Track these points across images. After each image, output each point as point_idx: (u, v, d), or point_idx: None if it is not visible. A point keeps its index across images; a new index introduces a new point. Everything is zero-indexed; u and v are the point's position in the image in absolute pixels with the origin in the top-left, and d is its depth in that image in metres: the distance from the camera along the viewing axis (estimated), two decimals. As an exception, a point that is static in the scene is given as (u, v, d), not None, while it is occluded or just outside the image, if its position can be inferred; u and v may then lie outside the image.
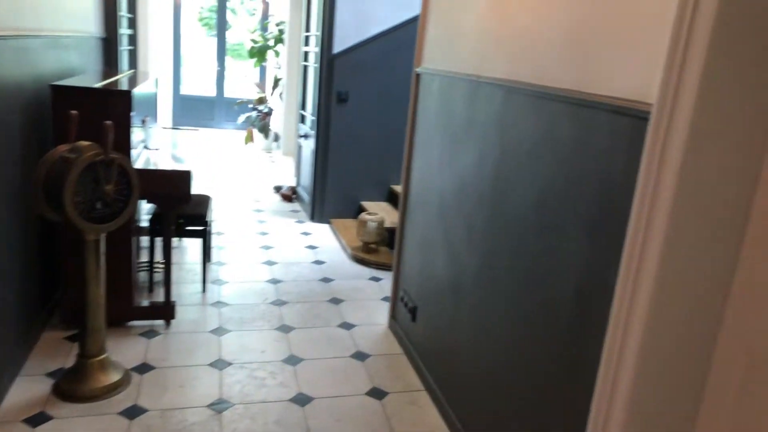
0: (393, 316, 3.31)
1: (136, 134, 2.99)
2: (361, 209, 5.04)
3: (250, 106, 8.52)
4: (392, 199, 5.08)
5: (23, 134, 2.59)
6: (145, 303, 3.16)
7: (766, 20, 1.21)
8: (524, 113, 1.94)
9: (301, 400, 2.58)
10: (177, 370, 2.73)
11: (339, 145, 5.02)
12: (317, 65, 5.00)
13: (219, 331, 3.12)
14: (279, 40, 8.23)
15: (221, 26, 9.58)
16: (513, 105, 2.02)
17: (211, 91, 9.77)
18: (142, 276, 3.51)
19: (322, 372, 2.82)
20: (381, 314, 3.50)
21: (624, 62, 1.46)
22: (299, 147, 5.87)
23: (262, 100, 8.42)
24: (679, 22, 1.24)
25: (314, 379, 2.75)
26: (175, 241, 4.28)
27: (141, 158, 3.05)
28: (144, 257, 3.62)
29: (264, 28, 8.95)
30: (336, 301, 3.65)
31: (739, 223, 1.33)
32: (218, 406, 2.49)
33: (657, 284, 1.33)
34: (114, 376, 2.53)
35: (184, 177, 2.91)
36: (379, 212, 4.62)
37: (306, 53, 5.64)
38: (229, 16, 9.84)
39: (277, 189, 6.17)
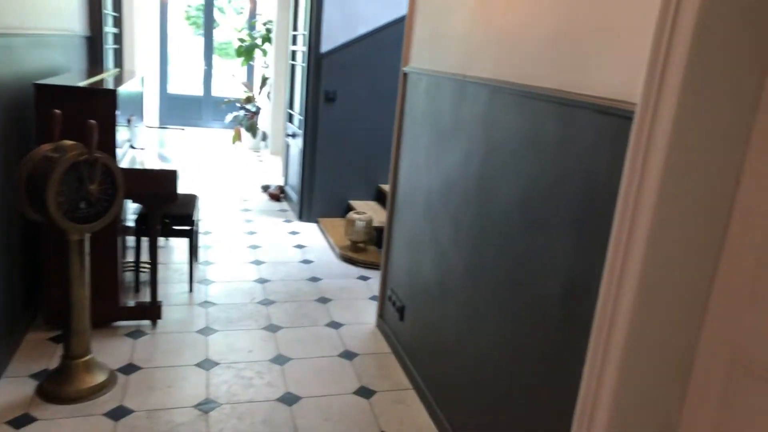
0: (381, 315, 3.32)
1: (122, 133, 2.96)
2: (350, 208, 5.04)
3: (238, 105, 8.48)
4: (380, 198, 5.08)
5: (5, 133, 2.56)
6: (131, 303, 3.14)
7: (748, 20, 1.23)
8: (510, 113, 1.95)
9: (289, 399, 2.58)
10: (163, 371, 2.71)
11: (327, 144, 5.01)
12: (305, 64, 4.99)
13: (206, 331, 3.11)
14: (266, 39, 8.20)
15: (208, 25, 9.53)
16: (498, 104, 2.03)
17: (198, 90, 9.71)
18: (128, 276, 3.48)
19: (309, 371, 2.82)
20: (369, 313, 3.50)
21: (608, 62, 1.47)
22: (287, 146, 5.85)
23: (249, 99, 8.39)
24: (662, 22, 1.25)
25: (302, 379, 2.74)
26: (161, 240, 4.25)
27: (126, 157, 3.03)
28: (130, 257, 3.59)
29: (251, 26, 8.92)
30: (324, 300, 3.64)
31: (721, 222, 1.35)
32: (205, 406, 2.47)
33: (641, 282, 1.34)
34: (99, 377, 2.51)
35: (169, 176, 2.89)
36: (368, 211, 4.62)
37: (294, 52, 5.63)
38: (216, 14, 9.78)
39: (265, 188, 6.15)
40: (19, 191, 2.28)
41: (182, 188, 3.20)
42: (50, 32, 3.36)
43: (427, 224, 2.68)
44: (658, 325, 1.39)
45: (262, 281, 3.84)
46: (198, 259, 4.05)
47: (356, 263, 4.29)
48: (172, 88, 9.65)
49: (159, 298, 3.13)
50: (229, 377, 2.70)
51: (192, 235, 3.56)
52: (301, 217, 5.20)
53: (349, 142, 5.04)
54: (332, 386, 2.71)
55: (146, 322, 3.10)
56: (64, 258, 2.41)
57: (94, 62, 4.48)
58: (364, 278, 4.06)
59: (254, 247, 4.48)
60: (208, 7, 9.43)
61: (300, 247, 4.58)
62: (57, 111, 2.37)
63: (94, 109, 2.67)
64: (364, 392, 2.69)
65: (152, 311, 3.08)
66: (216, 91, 9.70)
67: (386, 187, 3.98)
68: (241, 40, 8.45)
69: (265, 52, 8.38)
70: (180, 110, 9.55)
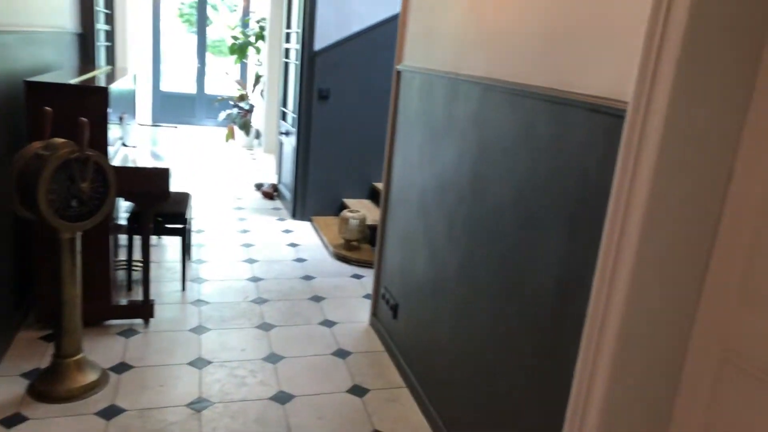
0: (374, 313, 3.31)
1: (114, 131, 2.95)
2: (343, 206, 5.03)
3: (231, 103, 8.45)
4: (374, 196, 5.08)
5: (-4, 131, 2.55)
6: (124, 302, 3.12)
7: (738, 19, 1.23)
8: (502, 111, 1.95)
9: (282, 398, 2.57)
10: (156, 370, 2.70)
11: (320, 142, 5.00)
12: (298, 62, 4.98)
13: (199, 330, 3.10)
14: (260, 36, 8.18)
15: (202, 22, 9.49)
16: (491, 102, 2.03)
17: (191, 88, 9.66)
18: (121, 275, 3.46)
19: (303, 370, 2.81)
20: (362, 312, 3.49)
21: (600, 61, 1.48)
22: (280, 144, 5.83)
23: (243, 97, 8.36)
24: (653, 21, 1.26)
25: (295, 377, 2.74)
26: (154, 239, 4.24)
27: (118, 155, 3.01)
28: (123, 256, 3.57)
29: (245, 24, 8.88)
30: (317, 298, 3.64)
31: (712, 219, 1.36)
32: (198, 405, 2.47)
33: (632, 280, 1.35)
34: (91, 376, 2.50)
35: (162, 174, 2.88)
36: (361, 209, 4.61)
37: (287, 50, 5.61)
38: (209, 12, 9.74)
39: (258, 186, 6.13)
40: (10, 189, 2.26)
41: (175, 186, 3.19)
42: (41, 29, 3.34)
43: (420, 222, 2.68)
44: (649, 322, 1.40)
45: (255, 280, 3.83)
46: (191, 258, 4.04)
47: (350, 261, 4.29)
48: (165, 86, 9.60)
49: (151, 297, 3.11)
50: (222, 376, 2.69)
51: (185, 234, 3.54)
52: (295, 215, 5.19)
53: (342, 140, 5.03)
54: (325, 385, 2.71)
55: (139, 321, 3.09)
56: (56, 256, 2.40)
57: (86, 59, 4.45)
58: (357, 276, 4.05)
59: (247, 245, 4.47)
60: (202, 5, 9.39)
61: (293, 245, 4.58)
62: (47, 108, 2.35)
63: (85, 107, 2.65)
64: (358, 390, 2.68)
65: (145, 310, 3.07)
66: (209, 89, 9.66)
67: (380, 185, 3.98)
68: (235, 38, 8.42)
69: (258, 50, 8.36)
70: (173, 108, 9.50)
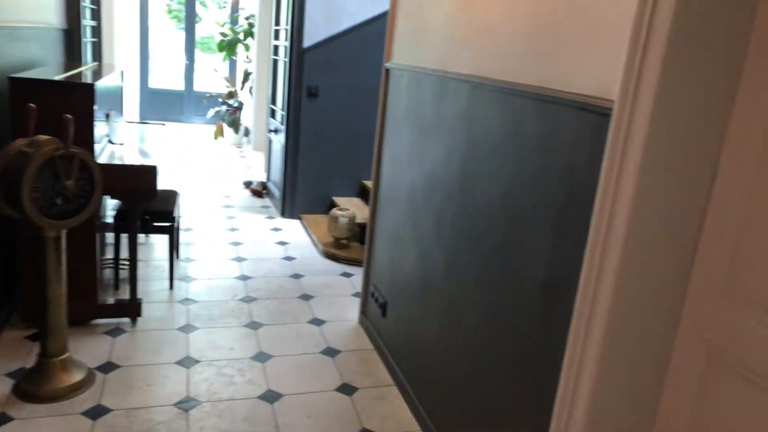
0: (363, 311, 3.31)
1: (100, 128, 2.92)
2: (333, 204, 5.02)
3: (220, 100, 8.40)
4: (364, 194, 5.07)
5: (-20, 128, 2.51)
6: (111, 301, 3.10)
7: (722, 19, 1.24)
8: (490, 109, 1.95)
9: (270, 397, 2.56)
10: (143, 369, 2.68)
11: (310, 139, 4.99)
12: (287, 59, 4.95)
13: (187, 329, 3.08)
14: (249, 33, 8.13)
15: (190, 19, 9.42)
16: (479, 101, 2.03)
17: (180, 85, 9.60)
18: (108, 273, 3.43)
19: (291, 368, 2.81)
20: (352, 310, 3.49)
21: (586, 59, 1.48)
22: (269, 142, 5.81)
23: (231, 95, 8.32)
24: (639, 20, 1.26)
25: (283, 376, 2.73)
26: (141, 237, 4.20)
27: (105, 153, 2.98)
28: (110, 254, 3.54)
29: (234, 21, 8.83)
30: (306, 297, 3.63)
31: (697, 217, 1.36)
32: (185, 404, 2.45)
33: (619, 277, 1.35)
34: (77, 376, 2.48)
35: (149, 172, 2.85)
36: (351, 207, 4.61)
37: (276, 47, 5.59)
38: (198, 8, 9.67)
39: (247, 184, 6.10)
40: (-7, 187, 2.23)
41: (163, 184, 3.17)
42: (26, 25, 3.29)
43: (409, 220, 2.68)
44: (635, 320, 1.41)
45: (243, 278, 3.81)
46: (179, 256, 4.01)
47: (339, 260, 4.28)
48: (154, 83, 9.52)
49: (139, 296, 3.09)
50: (210, 375, 2.68)
51: (172, 232, 3.52)
52: (284, 213, 5.17)
53: (332, 138, 5.02)
54: (314, 383, 2.70)
55: (126, 320, 3.07)
56: (41, 255, 2.37)
57: (72, 56, 4.40)
58: (347, 275, 4.05)
59: (236, 243, 4.45)
60: (190, 1, 9.32)
61: (282, 243, 4.56)
62: (32, 105, 2.32)
63: (70, 104, 2.62)
64: (346, 389, 2.68)
65: (132, 309, 3.05)
66: (198, 86, 9.60)
67: (369, 183, 3.97)
68: (224, 35, 8.37)
69: (247, 47, 8.31)
70: (161, 105, 9.43)
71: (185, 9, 9.40)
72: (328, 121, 4.97)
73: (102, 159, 2.84)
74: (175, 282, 3.61)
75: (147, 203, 3.08)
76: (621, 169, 1.32)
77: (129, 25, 7.93)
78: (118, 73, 3.89)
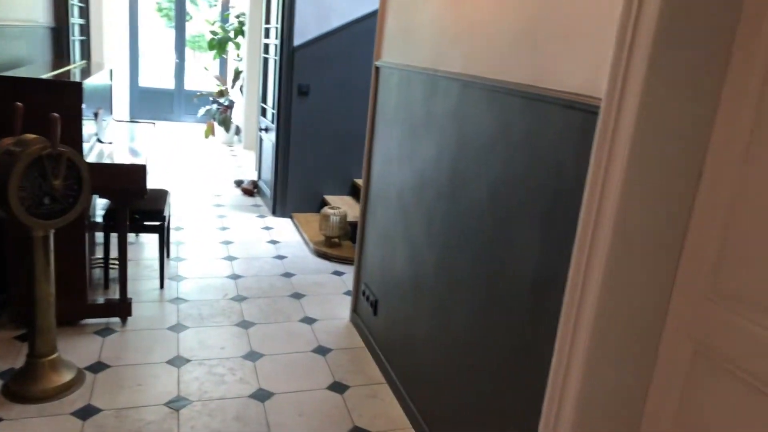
0: (355, 309, 3.31)
1: (88, 127, 2.90)
2: (324, 203, 5.02)
3: (211, 98, 8.36)
4: (355, 192, 5.07)
5: (-34, 127, 2.49)
6: (100, 300, 3.08)
7: (708, 18, 1.25)
8: (480, 107, 1.96)
9: (262, 395, 2.56)
10: (133, 369, 2.67)
11: (300, 138, 4.98)
12: (278, 58, 4.94)
13: (177, 328, 3.07)
14: (239, 31, 8.10)
15: (180, 17, 9.37)
16: (469, 99, 2.03)
17: (170, 84, 9.55)
18: (98, 273, 3.41)
19: (282, 367, 2.80)
20: (343, 308, 3.49)
21: (574, 57, 1.49)
22: (260, 140, 5.79)
23: (222, 93, 8.28)
24: (625, 18, 1.27)
25: (275, 375, 2.73)
26: (131, 237, 4.18)
27: (93, 152, 2.97)
28: (99, 254, 3.52)
29: (224, 19, 8.80)
30: (297, 295, 3.62)
31: (684, 214, 1.38)
32: (176, 403, 2.44)
33: (606, 274, 1.36)
34: (66, 376, 2.47)
35: (138, 171, 2.84)
36: (342, 206, 4.60)
37: (266, 45, 5.57)
38: (188, 7, 9.62)
39: (238, 183, 6.08)
40: (-20, 187, 2.21)
41: (153, 183, 3.15)
42: (12, 23, 3.27)
43: (399, 219, 2.68)
44: (622, 316, 1.41)
45: (234, 277, 3.80)
46: (169, 256, 3.99)
47: (330, 258, 4.28)
48: (144, 82, 9.47)
49: (129, 295, 3.07)
50: (201, 374, 2.67)
51: (163, 231, 3.50)
52: (275, 212, 5.16)
53: (323, 136, 5.01)
54: (305, 382, 2.70)
55: (116, 320, 3.05)
56: (29, 255, 2.36)
57: (60, 54, 4.37)
58: (338, 273, 4.05)
59: (227, 242, 4.44)
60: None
61: (273, 242, 4.55)
62: (18, 104, 2.30)
63: (58, 102, 2.60)
64: (338, 387, 2.68)
65: (122, 308, 3.03)
66: (188, 85, 9.55)
67: (361, 182, 3.97)
68: (214, 33, 8.33)
69: (238, 45, 8.28)
70: (151, 104, 9.38)
71: (175, 7, 9.35)
72: (319, 120, 4.96)
73: (90, 158, 2.82)
74: (166, 281, 3.59)
75: (136, 202, 3.07)
76: (608, 167, 1.33)
77: (118, 23, 7.87)
78: (107, 71, 3.86)
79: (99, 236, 3.53)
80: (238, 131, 8.34)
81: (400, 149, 2.68)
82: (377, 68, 2.98)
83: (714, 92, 1.30)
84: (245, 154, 7.77)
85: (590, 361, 1.42)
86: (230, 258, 4.12)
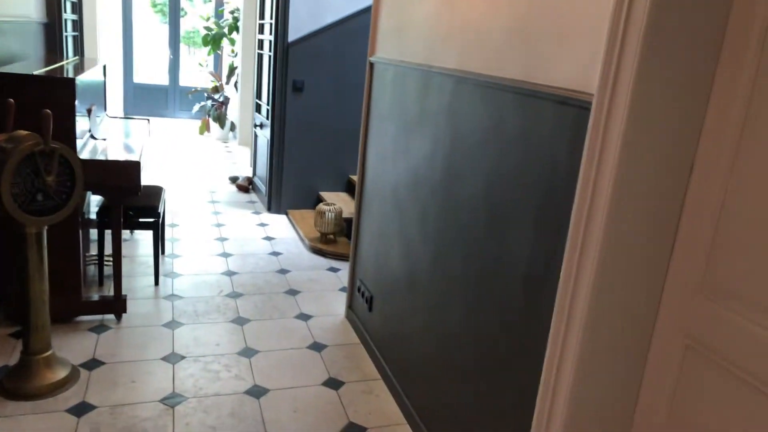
0: (350, 306, 3.32)
1: (81, 123, 2.88)
2: (319, 199, 5.02)
3: (206, 95, 8.34)
4: (350, 189, 5.06)
5: (-42, 123, 2.47)
6: (95, 297, 3.08)
7: (698, 13, 1.25)
8: (474, 103, 1.96)
9: (257, 392, 2.56)
10: (128, 365, 2.66)
11: (295, 134, 4.97)
12: (272, 53, 4.93)
13: (172, 325, 3.07)
14: (234, 27, 8.07)
15: (175, 13, 9.32)
16: (463, 95, 2.03)
17: (164, 80, 9.51)
18: (92, 270, 3.41)
19: (278, 363, 2.81)
20: (338, 305, 3.49)
21: (566, 54, 1.49)
22: (255, 137, 5.78)
23: (217, 89, 8.26)
24: (617, 14, 1.27)
25: (270, 371, 2.73)
26: (126, 233, 4.17)
27: (87, 148, 2.95)
28: (94, 250, 3.51)
29: (219, 15, 8.76)
30: (293, 292, 3.62)
31: (675, 210, 1.38)
32: (171, 400, 2.44)
33: (598, 269, 1.37)
34: (61, 373, 2.46)
35: (132, 167, 2.83)
36: (338, 202, 4.60)
37: (261, 41, 5.55)
38: (183, 2, 9.57)
39: (233, 179, 6.07)
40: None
41: (148, 180, 3.14)
42: (4, 18, 3.24)
43: (394, 215, 2.68)
44: (615, 312, 1.42)
45: (229, 274, 3.80)
46: (164, 252, 3.98)
47: (326, 255, 4.28)
48: (138, 78, 9.42)
49: (124, 292, 3.07)
50: (196, 371, 2.67)
51: (157, 228, 3.50)
52: (270, 208, 5.16)
53: (318, 132, 5.00)
54: (301, 378, 2.71)
55: (111, 317, 3.05)
56: (22, 252, 2.35)
57: (53, 50, 4.34)
58: (333, 270, 4.05)
59: (222, 239, 4.43)
60: (174, -5, 9.23)
61: (269, 239, 4.55)
62: (10, 100, 2.29)
63: (51, 99, 2.60)
64: (333, 383, 2.69)
65: (117, 305, 3.03)
66: (183, 81, 9.51)
67: (356, 178, 3.97)
68: (208, 29, 8.30)
69: (232, 41, 8.25)
70: (146, 100, 9.34)
71: (169, 3, 9.31)
72: (314, 116, 4.96)
73: (84, 154, 2.81)
74: (161, 278, 3.59)
75: (130, 199, 3.06)
76: (600, 162, 1.33)
77: (112, 19, 7.83)
78: (101, 67, 3.84)
79: (93, 233, 3.52)
80: (233, 127, 8.32)
81: (394, 145, 2.68)
82: (371, 64, 2.97)
83: (705, 87, 1.31)
84: (240, 151, 7.75)
85: (583, 356, 1.43)
86: (225, 255, 4.12)
